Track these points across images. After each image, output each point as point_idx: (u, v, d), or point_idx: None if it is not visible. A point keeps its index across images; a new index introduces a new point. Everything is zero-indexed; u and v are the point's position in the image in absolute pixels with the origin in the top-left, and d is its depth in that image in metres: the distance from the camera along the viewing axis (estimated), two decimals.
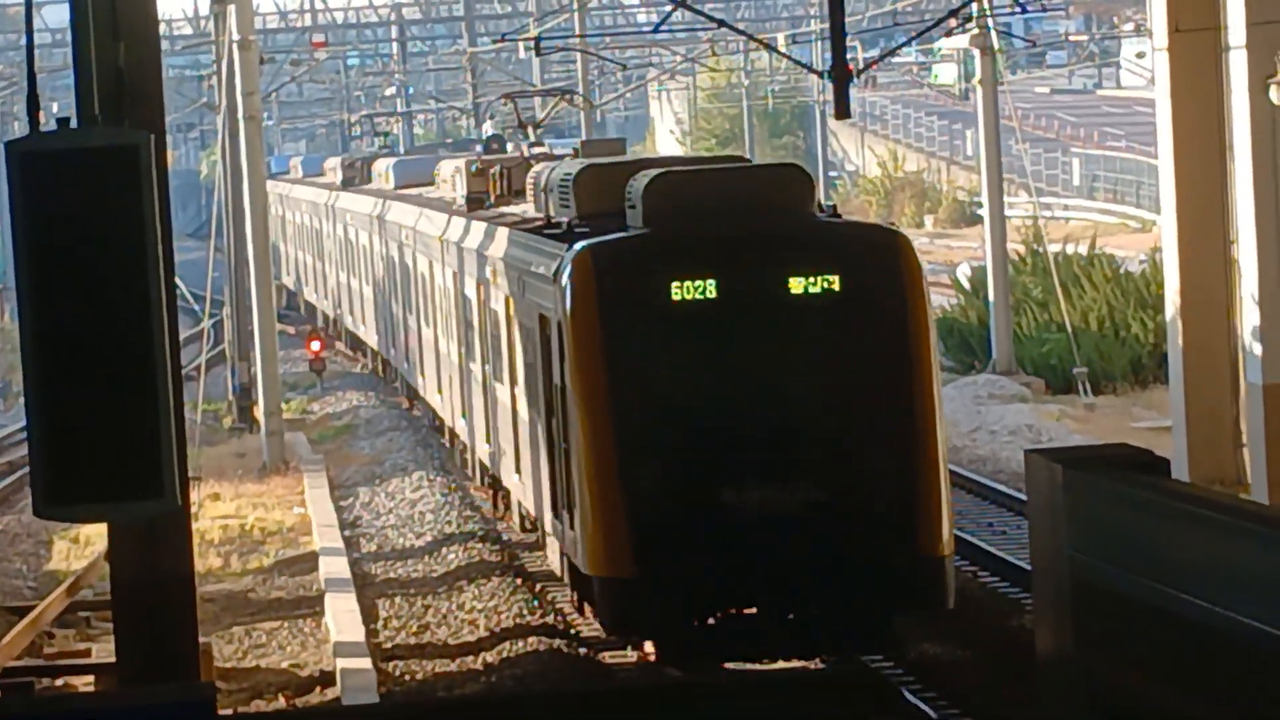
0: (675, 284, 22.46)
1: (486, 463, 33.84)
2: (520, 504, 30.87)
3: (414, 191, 48.11)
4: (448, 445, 41.92)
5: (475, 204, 36.34)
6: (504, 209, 34.09)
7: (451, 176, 40.00)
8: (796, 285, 22.51)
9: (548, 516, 26.81)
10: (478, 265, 31.83)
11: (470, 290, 33.28)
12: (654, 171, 24.37)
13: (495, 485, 34.09)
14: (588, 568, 22.84)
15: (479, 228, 32.79)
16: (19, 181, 8.62)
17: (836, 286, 22.53)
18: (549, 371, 24.50)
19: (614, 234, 23.88)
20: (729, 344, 22.62)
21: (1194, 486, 8.04)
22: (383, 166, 56.46)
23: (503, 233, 29.60)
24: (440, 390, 39.82)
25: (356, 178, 61.06)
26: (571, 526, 23.51)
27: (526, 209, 31.75)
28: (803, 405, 22.70)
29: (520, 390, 28.02)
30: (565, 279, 23.09)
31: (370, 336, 55.84)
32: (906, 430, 22.35)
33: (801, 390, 22.70)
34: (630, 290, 22.74)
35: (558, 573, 27.99)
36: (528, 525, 31.60)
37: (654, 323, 22.73)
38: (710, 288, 22.50)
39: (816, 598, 22.34)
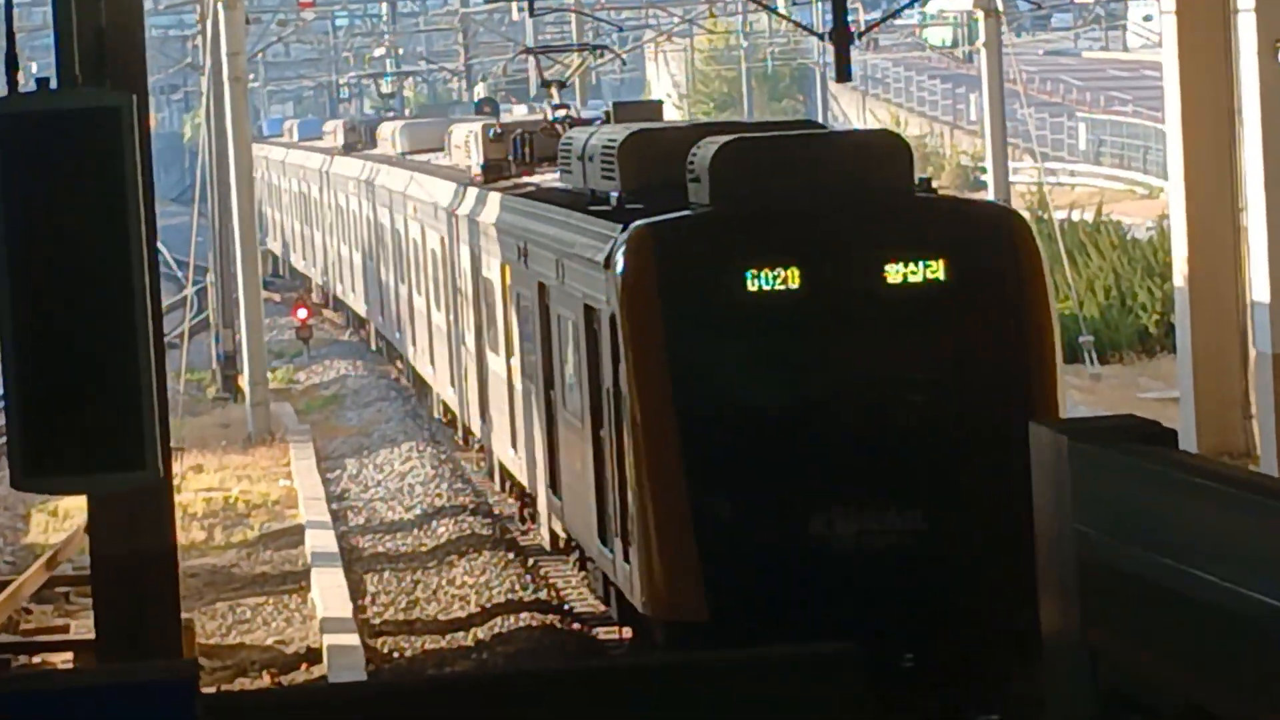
0: (751, 272, 19.39)
1: (512, 471, 30.25)
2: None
3: (423, 158, 45.31)
4: (463, 447, 41.03)
5: (494, 172, 33.12)
6: (526, 179, 31.35)
7: (465, 142, 36.86)
8: (894, 274, 19.51)
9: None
10: (500, 243, 28.61)
11: (492, 272, 30.04)
12: (722, 138, 20.98)
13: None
14: (649, 609, 19.91)
15: (501, 200, 29.58)
16: None
17: (942, 275, 19.57)
18: (596, 373, 21.29)
19: (675, 212, 20.59)
20: (815, 344, 19.58)
21: (1203, 459, 8.03)
22: (388, 130, 53.25)
23: (535, 207, 26.39)
24: (453, 382, 36.98)
25: (359, 142, 58.44)
26: (626, 558, 20.37)
27: (553, 179, 29.02)
28: (904, 417, 19.57)
29: (559, 392, 24.34)
30: (619, 265, 19.90)
31: (375, 316, 52.30)
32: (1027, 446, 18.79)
33: (902, 399, 19.66)
34: (698, 279, 19.61)
35: (548, 547, 27.81)
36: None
37: (726, 318, 19.63)
38: (793, 277, 19.42)
39: (920, 647, 18.90)
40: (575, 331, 22.39)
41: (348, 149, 58.28)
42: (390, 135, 51.82)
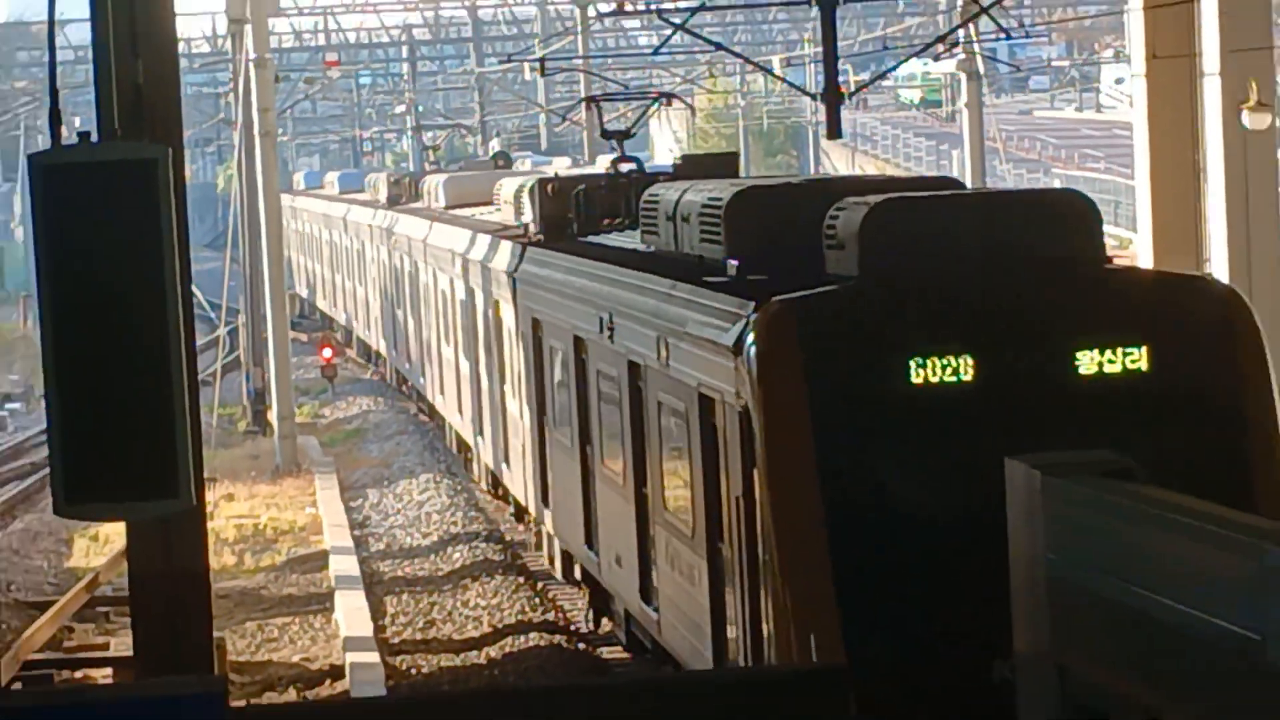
0: (917, 361, 14.99)
1: (592, 573, 24.72)
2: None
3: (468, 212, 40.75)
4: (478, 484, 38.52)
5: (555, 231, 27.96)
6: (593, 238, 26.39)
7: (517, 198, 31.51)
8: (1088, 363, 15.12)
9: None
10: (575, 314, 23.62)
11: (565, 345, 24.50)
12: (869, 199, 16.39)
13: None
14: None
15: (574, 264, 24.47)
16: (41, 193, 8.64)
17: (1145, 365, 15.15)
18: (716, 476, 16.77)
19: (810, 286, 15.89)
20: (992, 445, 14.08)
21: (1160, 491, 8.08)
22: (432, 184, 48.32)
23: (622, 274, 21.32)
24: (505, 460, 31.48)
25: (403, 195, 53.01)
26: None
27: (626, 239, 24.48)
28: None
29: (656, 493, 19.55)
30: (754, 349, 15.35)
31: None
32: None
33: None
34: (852, 369, 15.05)
35: (557, 575, 27.44)
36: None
37: (886, 416, 15.15)
38: (966, 366, 15.02)
39: None
40: (684, 424, 17.85)
41: (392, 202, 53.59)
42: (434, 189, 47.40)
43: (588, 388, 23.23)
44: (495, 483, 34.62)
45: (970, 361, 15.04)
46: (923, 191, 17.92)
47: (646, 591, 20.75)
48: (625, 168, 28.73)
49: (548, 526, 27.71)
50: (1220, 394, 15.34)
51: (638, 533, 20.49)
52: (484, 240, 32.67)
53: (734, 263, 17.96)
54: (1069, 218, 16.32)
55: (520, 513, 32.08)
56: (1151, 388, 15.18)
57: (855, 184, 19.84)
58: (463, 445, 39.72)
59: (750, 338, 15.51)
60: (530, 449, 27.93)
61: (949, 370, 15.04)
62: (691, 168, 26.32)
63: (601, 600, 24.74)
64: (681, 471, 18.16)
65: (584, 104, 35.44)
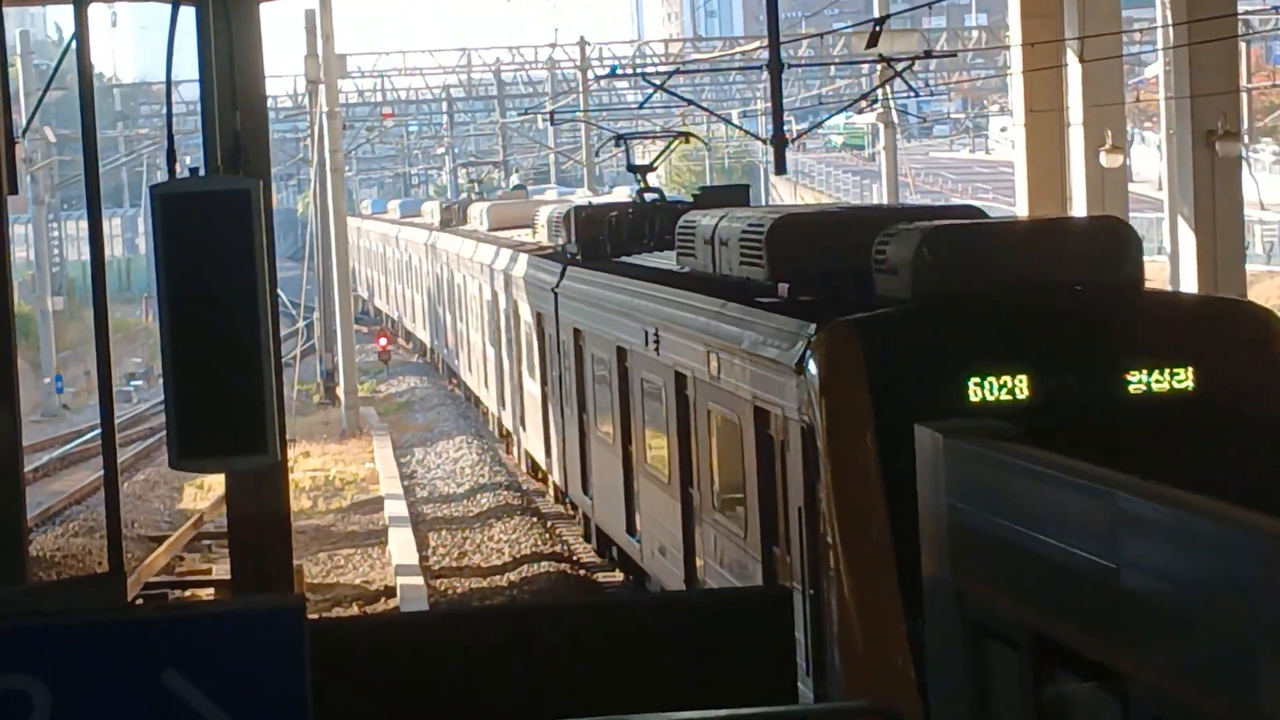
0: (974, 380, 12.70)
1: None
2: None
3: (508, 234, 37.97)
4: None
5: (591, 252, 25.49)
6: (626, 259, 23.94)
7: (554, 222, 29.39)
8: (1137, 382, 13.02)
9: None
10: (618, 326, 21.00)
11: (606, 354, 21.94)
12: (919, 225, 14.14)
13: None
14: None
15: (615, 281, 21.75)
16: (160, 216, 8.62)
17: (1190, 384, 13.07)
18: (771, 485, 14.47)
19: (860, 308, 13.66)
20: None
21: (1040, 451, 8.10)
22: (477, 210, 45.94)
23: (669, 293, 18.68)
24: (549, 452, 28.26)
25: (453, 219, 50.52)
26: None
27: (657, 261, 22.08)
28: None
29: (704, 496, 17.09)
30: (818, 368, 13.15)
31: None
32: None
33: None
34: (913, 387, 12.63)
35: (593, 553, 26.14)
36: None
37: None
38: (1021, 385, 12.72)
39: None
40: (736, 432, 15.53)
41: (444, 225, 50.49)
42: (479, 214, 45.04)
43: (630, 392, 20.65)
44: (535, 467, 31.93)
45: (1026, 380, 12.76)
46: (953, 219, 15.45)
47: (690, 580, 18.99)
48: (649, 197, 26.98)
49: (585, 510, 25.53)
50: (1263, 410, 13.21)
51: (683, 526, 17.99)
52: (525, 259, 29.85)
53: (784, 285, 15.56)
54: (1114, 243, 14.02)
55: (560, 496, 29.21)
56: (1197, 406, 12.99)
57: (886, 213, 17.44)
58: (488, 416, 39.56)
59: (813, 357, 13.21)
60: (571, 442, 25.25)
61: (1005, 389, 12.72)
62: (709, 197, 24.52)
63: (640, 579, 22.13)
64: (732, 475, 15.81)
65: (616, 141, 31.44)
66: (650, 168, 28.53)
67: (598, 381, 22.84)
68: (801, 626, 13.10)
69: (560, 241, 27.69)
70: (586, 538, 26.43)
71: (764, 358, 14.46)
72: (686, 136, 31.85)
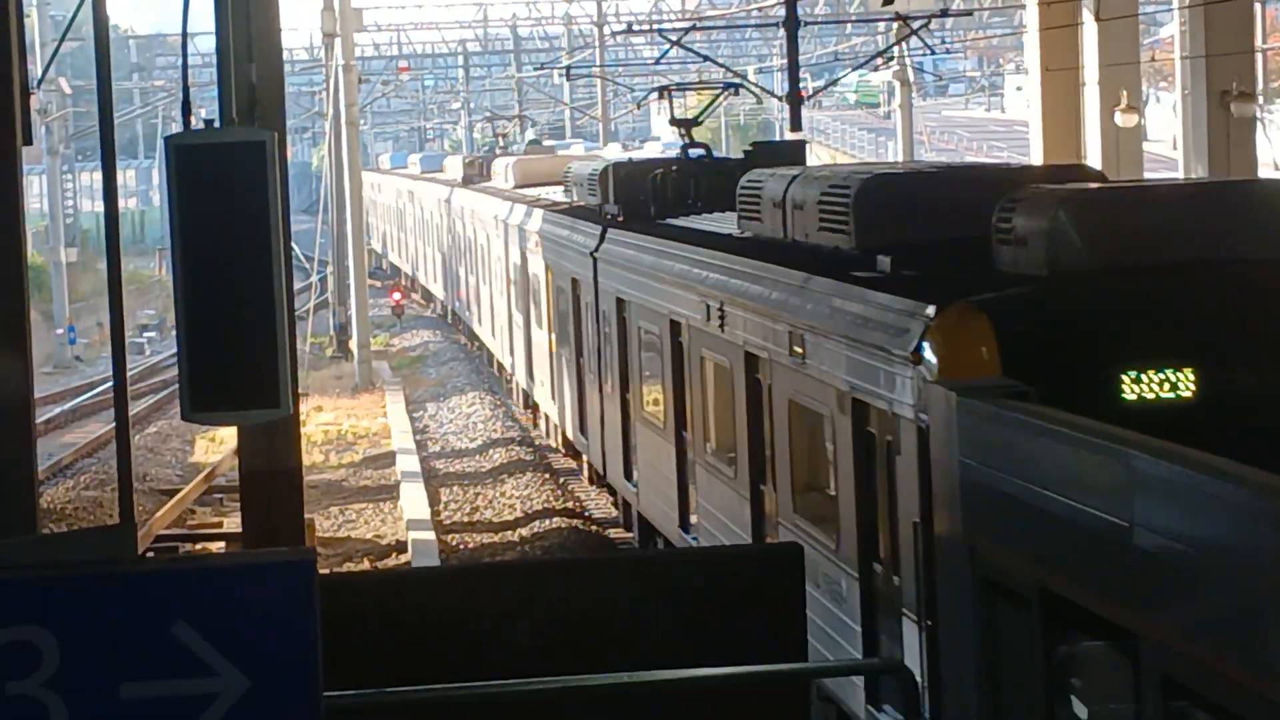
0: (1130, 375, 10.18)
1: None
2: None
3: (534, 192, 34.68)
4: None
5: (634, 214, 22.85)
6: (674, 221, 21.35)
7: (590, 180, 25.68)
8: None
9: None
10: (673, 298, 18.43)
11: (658, 328, 19.43)
12: (1057, 189, 11.78)
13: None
14: None
15: (670, 248, 19.13)
16: (174, 167, 8.61)
17: None
18: (873, 488, 12.20)
19: (995, 287, 11.04)
20: None
21: (1049, 410, 8.08)
22: (502, 165, 42.08)
23: (736, 262, 16.22)
24: (583, 429, 25.49)
25: (476, 175, 47.48)
26: None
27: (711, 224, 19.78)
28: None
29: (781, 494, 14.82)
30: (938, 357, 10.77)
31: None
32: None
33: None
34: (1057, 383, 9.91)
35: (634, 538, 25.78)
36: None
37: None
38: (1185, 381, 10.21)
39: None
40: (828, 430, 13.17)
41: (466, 181, 47.62)
42: (504, 170, 41.48)
43: (685, 370, 18.14)
44: (568, 444, 29.31)
45: (1192, 375, 10.17)
46: (1070, 180, 13.19)
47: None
48: (694, 153, 24.24)
49: (628, 497, 22.72)
50: None
51: (753, 529, 15.69)
52: (558, 218, 27.18)
53: (885, 258, 12.96)
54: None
55: (598, 478, 26.60)
56: None
57: (990, 173, 15.34)
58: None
59: (933, 344, 10.82)
60: (613, 422, 22.70)
61: (1168, 385, 10.16)
62: (762, 155, 22.10)
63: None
64: (819, 476, 13.76)
65: (659, 93, 27.62)
66: (696, 122, 25.64)
67: (646, 356, 20.39)
68: (917, 662, 10.91)
69: (596, 201, 25.00)
70: (627, 526, 24.29)
71: (867, 343, 12.04)
72: (736, 89, 29.00)
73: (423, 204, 55.37)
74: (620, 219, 23.15)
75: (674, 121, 25.99)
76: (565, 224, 26.34)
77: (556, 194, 31.06)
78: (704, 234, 18.83)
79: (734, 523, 16.37)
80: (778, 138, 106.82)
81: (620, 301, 21.53)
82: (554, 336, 27.71)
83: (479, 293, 40.70)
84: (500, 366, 39.71)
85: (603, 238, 22.94)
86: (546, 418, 31.42)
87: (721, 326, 16.35)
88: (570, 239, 25.42)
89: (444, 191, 48.47)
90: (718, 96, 29.01)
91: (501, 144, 57.46)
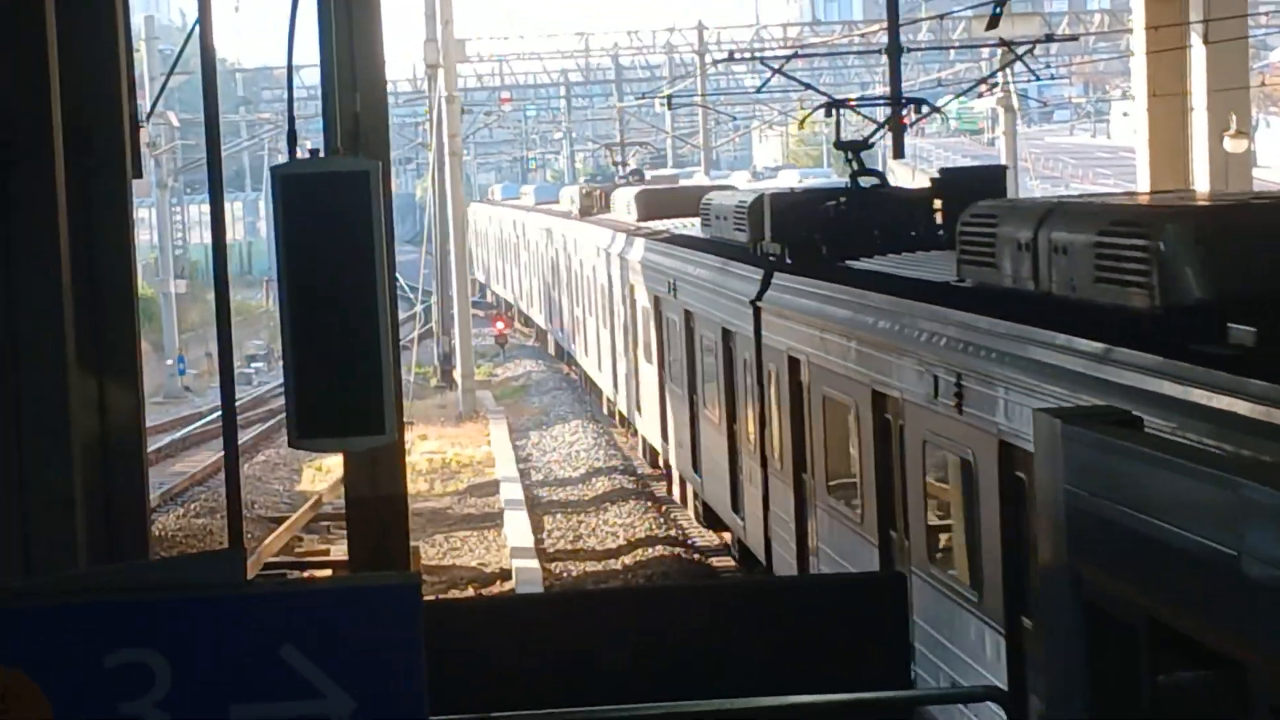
0: None
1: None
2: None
3: (661, 225, 31.28)
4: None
5: (801, 254, 19.02)
6: (858, 264, 17.55)
7: (737, 214, 21.92)
8: None
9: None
10: (906, 370, 13.99)
11: (846, 395, 15.88)
12: None
13: None
14: None
15: (874, 303, 15.28)
16: (281, 197, 8.70)
17: None
18: None
19: None
20: None
21: (1155, 436, 8.03)
22: (625, 197, 37.82)
23: (1013, 334, 11.88)
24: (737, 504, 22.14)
25: (594, 207, 43.75)
26: None
27: (914, 268, 16.20)
28: None
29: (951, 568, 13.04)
30: None
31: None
32: None
33: None
34: None
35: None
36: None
37: None
38: None
39: None
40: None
41: (584, 213, 43.98)
42: (626, 202, 37.14)
43: (894, 457, 14.59)
44: (709, 515, 25.61)
45: None
46: None
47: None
48: (866, 182, 20.64)
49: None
50: None
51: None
52: (701, 259, 23.43)
53: (1245, 329, 9.09)
54: None
55: (740, 549, 23.31)
56: None
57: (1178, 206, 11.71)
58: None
59: None
60: (785, 503, 19.30)
61: None
62: (954, 182, 19.24)
63: None
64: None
65: (826, 109, 22.38)
66: (866, 144, 21.73)
67: (832, 431, 16.65)
68: None
69: (746, 238, 21.28)
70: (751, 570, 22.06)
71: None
72: (918, 104, 23.63)
73: (541, 241, 51.33)
74: (786, 261, 19.34)
75: (841, 145, 21.78)
76: (711, 265, 22.60)
77: (688, 227, 28.12)
78: (913, 283, 14.97)
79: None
80: (880, 163, 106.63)
81: (794, 362, 17.85)
82: (697, 394, 24.34)
83: (603, 339, 36.78)
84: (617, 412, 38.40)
85: (766, 283, 19.34)
86: (704, 507, 25.83)
87: (959, 408, 12.70)
88: (719, 283, 21.83)
89: (565, 226, 44.88)
90: (893, 116, 23.71)
91: (622, 173, 51.99)
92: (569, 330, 45.24)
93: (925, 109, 23.91)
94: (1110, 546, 8.76)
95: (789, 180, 37.44)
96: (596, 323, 37.63)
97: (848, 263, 17.83)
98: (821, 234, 18.95)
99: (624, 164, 54.16)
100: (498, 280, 71.35)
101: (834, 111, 22.74)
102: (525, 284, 58.70)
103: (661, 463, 30.40)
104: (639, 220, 34.59)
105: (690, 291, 24.11)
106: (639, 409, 30.66)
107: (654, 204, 35.03)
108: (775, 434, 19.11)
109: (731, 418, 21.86)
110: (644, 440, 32.70)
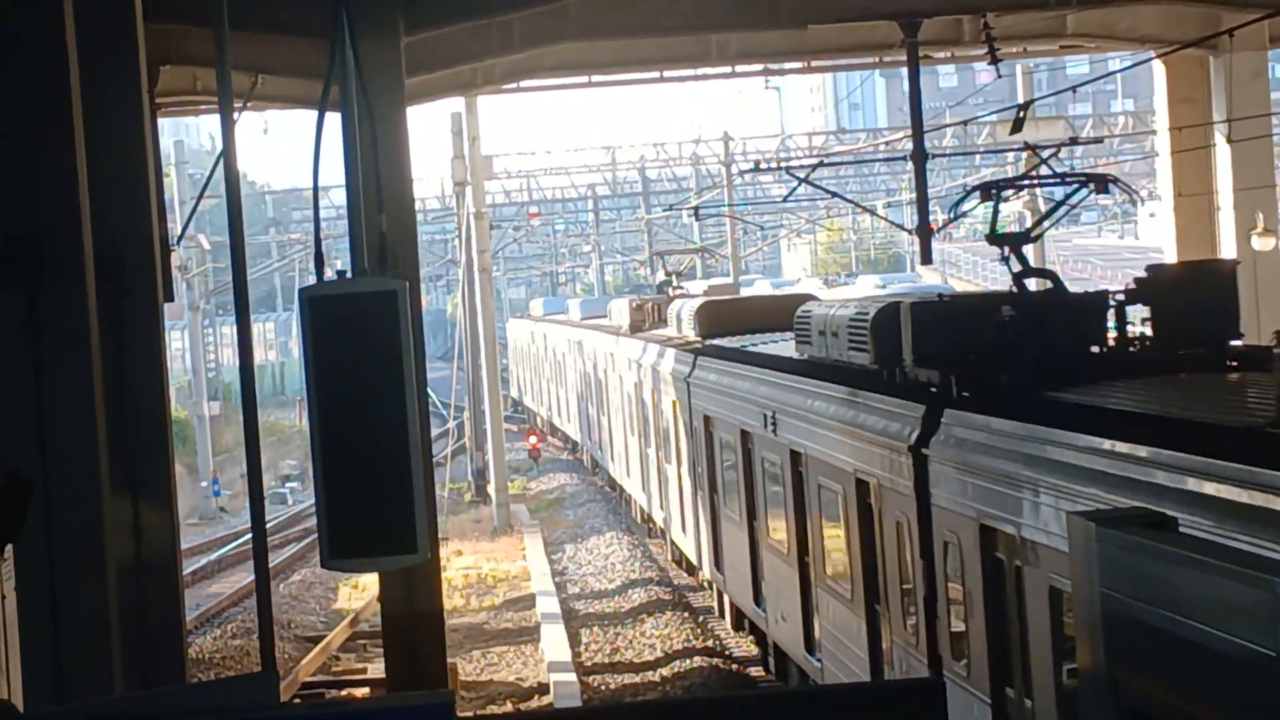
0: None
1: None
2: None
3: (735, 343, 26.64)
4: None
5: (971, 383, 14.56)
6: (1081, 397, 13.24)
7: (853, 329, 17.73)
8: None
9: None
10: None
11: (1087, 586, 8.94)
12: None
13: None
14: None
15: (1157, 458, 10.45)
16: (309, 318, 8.73)
17: None
18: None
19: None
20: None
21: (1189, 538, 8.02)
22: (683, 311, 32.21)
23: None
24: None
25: (646, 321, 38.77)
26: None
27: (1133, 399, 12.60)
28: None
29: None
30: None
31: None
32: None
33: None
34: None
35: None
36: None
37: None
38: None
39: None
40: None
41: (634, 329, 39.07)
42: (685, 316, 31.58)
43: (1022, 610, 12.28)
44: (755, 632, 23.76)
45: None
46: None
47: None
48: (1034, 285, 16.53)
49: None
50: None
51: None
52: (817, 388, 18.57)
53: None
54: None
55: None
56: None
57: None
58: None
59: None
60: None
61: None
62: (1166, 284, 15.43)
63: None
64: None
65: (982, 193, 18.33)
66: (1028, 237, 17.30)
67: (1067, 629, 11.95)
68: None
69: (868, 358, 17.15)
70: None
71: None
72: (1101, 181, 17.66)
73: (591, 361, 45.52)
74: (955, 392, 14.64)
75: (997, 239, 17.01)
76: (830, 395, 17.88)
77: (769, 344, 24.46)
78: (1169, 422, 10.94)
79: None
80: (908, 269, 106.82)
81: (990, 534, 13.15)
82: (814, 564, 19.55)
83: (668, 481, 31.55)
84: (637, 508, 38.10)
85: (931, 422, 14.69)
86: None
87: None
88: (855, 421, 16.85)
89: (616, 345, 39.40)
90: (1070, 198, 18.49)
91: (675, 283, 44.56)
92: (614, 456, 39.99)
93: (1112, 188, 17.99)
94: (1148, 650, 8.70)
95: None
96: (660, 458, 31.58)
97: (1052, 394, 13.66)
98: (997, 356, 14.72)
99: (675, 273, 46.30)
100: (543, 401, 65.61)
101: (992, 197, 18.41)
102: (581, 409, 51.46)
103: None
104: (702, 336, 29.32)
105: (800, 429, 19.18)
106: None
107: (719, 318, 29.50)
108: (976, 636, 13.82)
109: (872, 598, 16.90)
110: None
